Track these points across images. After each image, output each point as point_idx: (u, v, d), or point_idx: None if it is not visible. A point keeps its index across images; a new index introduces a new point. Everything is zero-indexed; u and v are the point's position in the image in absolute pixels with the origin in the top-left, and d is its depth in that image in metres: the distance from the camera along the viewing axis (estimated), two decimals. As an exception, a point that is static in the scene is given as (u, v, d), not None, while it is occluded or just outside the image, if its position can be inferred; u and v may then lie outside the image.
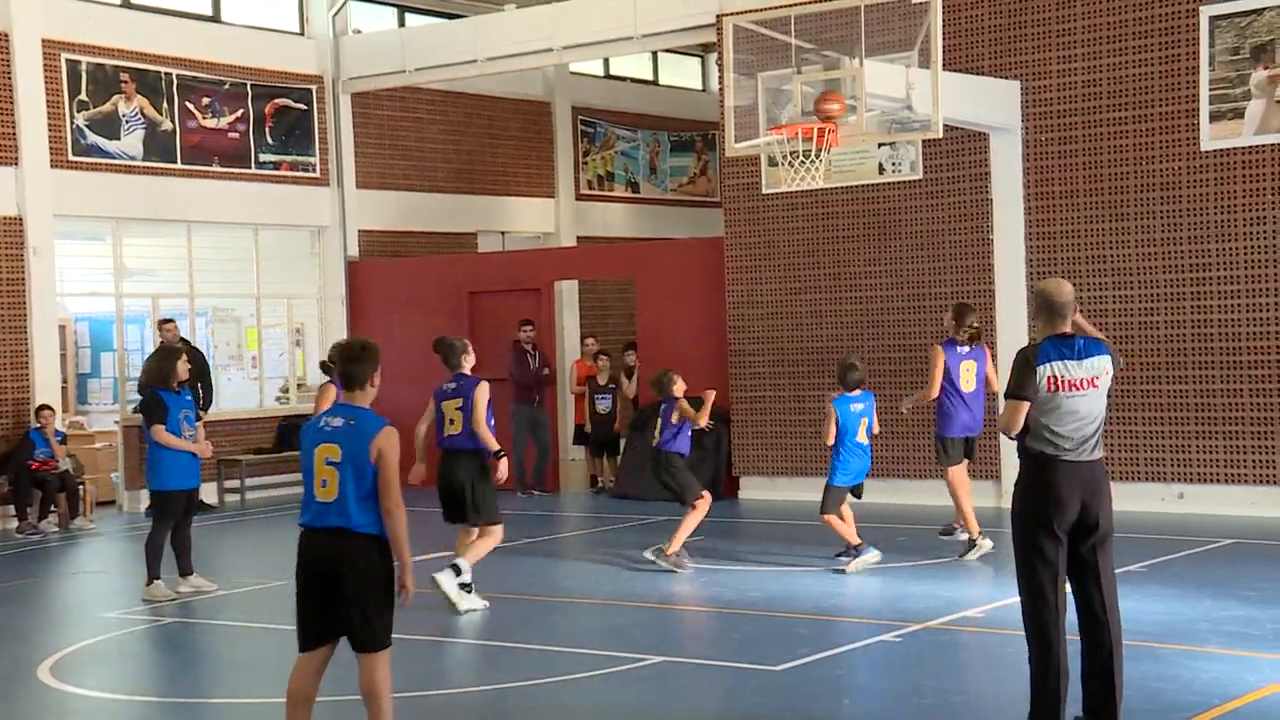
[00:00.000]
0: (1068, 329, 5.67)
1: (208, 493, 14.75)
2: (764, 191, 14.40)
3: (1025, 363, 5.59)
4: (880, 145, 13.45)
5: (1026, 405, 5.53)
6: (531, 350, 15.42)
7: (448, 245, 18.24)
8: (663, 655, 7.38)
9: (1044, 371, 5.53)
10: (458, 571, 8.67)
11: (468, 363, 8.82)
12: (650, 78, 21.49)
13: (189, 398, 9.72)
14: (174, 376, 9.57)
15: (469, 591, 8.69)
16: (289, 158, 16.74)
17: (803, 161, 10.52)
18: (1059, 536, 5.48)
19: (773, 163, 12.99)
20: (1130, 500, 12.38)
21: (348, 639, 5.21)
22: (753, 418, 14.24)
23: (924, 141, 13.19)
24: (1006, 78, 12.96)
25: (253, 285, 16.73)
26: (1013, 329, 13.00)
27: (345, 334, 17.18)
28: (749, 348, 14.54)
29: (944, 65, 10.69)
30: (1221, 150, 12.08)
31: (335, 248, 17.21)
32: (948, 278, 13.42)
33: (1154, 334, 12.41)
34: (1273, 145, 11.86)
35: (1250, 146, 11.95)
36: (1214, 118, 12.05)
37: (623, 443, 15.40)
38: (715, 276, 14.87)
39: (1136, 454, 12.44)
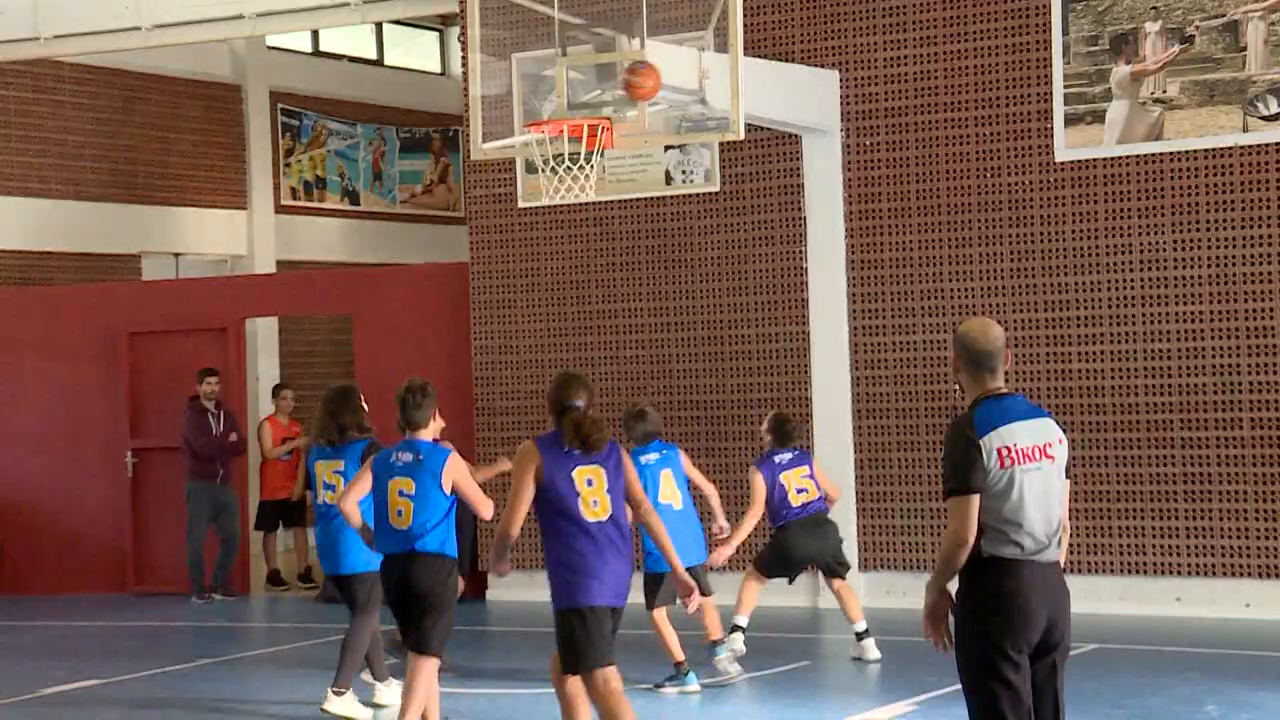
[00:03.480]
0: (1000, 384, 5.58)
1: None
2: (520, 205, 14.40)
3: (963, 439, 5.44)
4: (667, 149, 13.61)
5: (977, 498, 5.39)
6: (215, 410, 15.10)
7: (101, 271, 17.80)
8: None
9: (990, 443, 5.42)
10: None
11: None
12: (374, 56, 21.36)
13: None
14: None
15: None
16: (-120, 150, 16.00)
17: (569, 168, 10.55)
18: (1020, 659, 5.42)
19: (531, 169, 12.98)
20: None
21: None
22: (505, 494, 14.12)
23: (721, 145, 13.40)
24: (823, 66, 13.31)
25: None
26: (831, 378, 13.29)
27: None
28: (501, 405, 14.47)
29: (746, 49, 10.88)
30: (1079, 162, 12.65)
31: (-56, 272, 16.56)
32: (752, 315, 13.64)
33: (1002, 387, 12.85)
34: (1137, 158, 12.48)
35: (1112, 158, 12.55)
36: (1070, 121, 12.63)
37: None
38: (458, 313, 14.81)
39: (983, 537, 12.85)
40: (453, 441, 13.79)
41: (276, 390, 16.44)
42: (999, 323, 13.37)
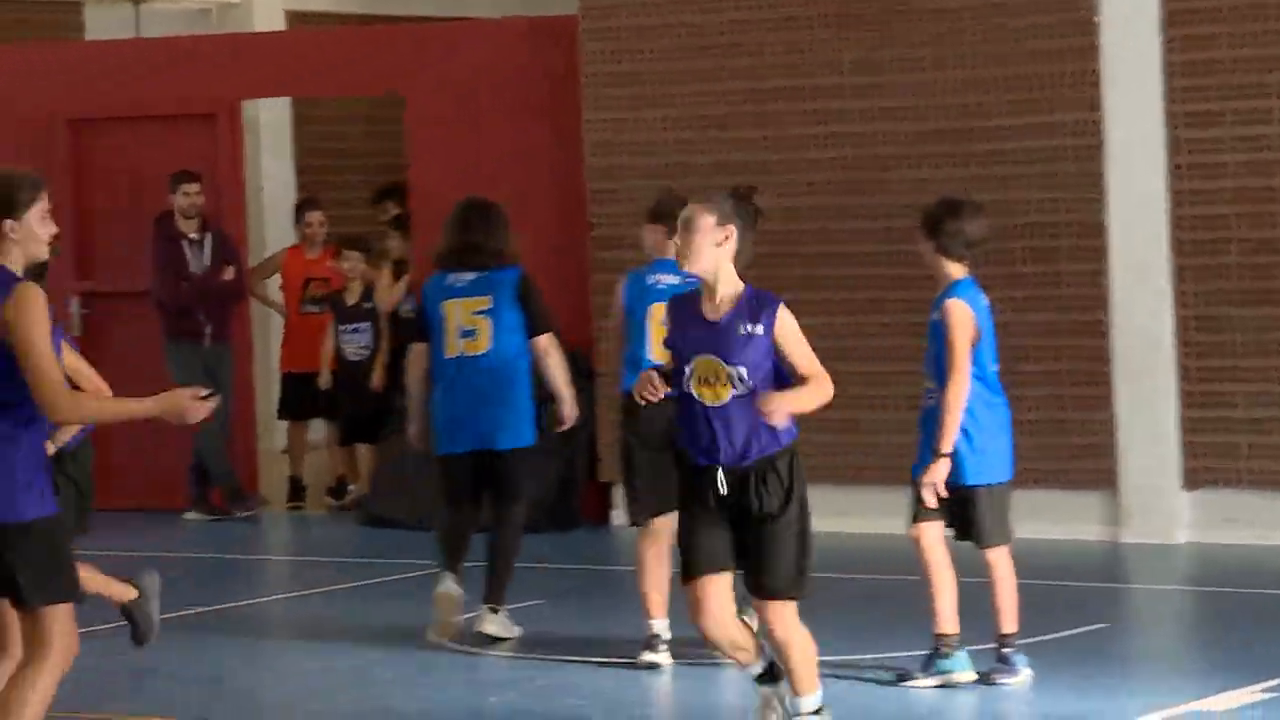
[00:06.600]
0: None
1: None
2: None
3: None
4: None
5: None
6: (197, 234, 15.25)
7: (25, 25, 17.97)
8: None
9: None
10: None
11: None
12: None
13: None
14: None
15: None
16: None
17: None
18: None
19: None
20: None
21: None
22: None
23: None
24: None
25: None
26: (1137, 195, 13.26)
27: None
28: (627, 233, 14.39)
29: None
30: None
31: None
32: (1008, 99, 13.54)
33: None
34: None
35: None
36: None
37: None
38: (562, 92, 14.95)
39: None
40: (563, 279, 13.90)
41: (301, 210, 16.55)
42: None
